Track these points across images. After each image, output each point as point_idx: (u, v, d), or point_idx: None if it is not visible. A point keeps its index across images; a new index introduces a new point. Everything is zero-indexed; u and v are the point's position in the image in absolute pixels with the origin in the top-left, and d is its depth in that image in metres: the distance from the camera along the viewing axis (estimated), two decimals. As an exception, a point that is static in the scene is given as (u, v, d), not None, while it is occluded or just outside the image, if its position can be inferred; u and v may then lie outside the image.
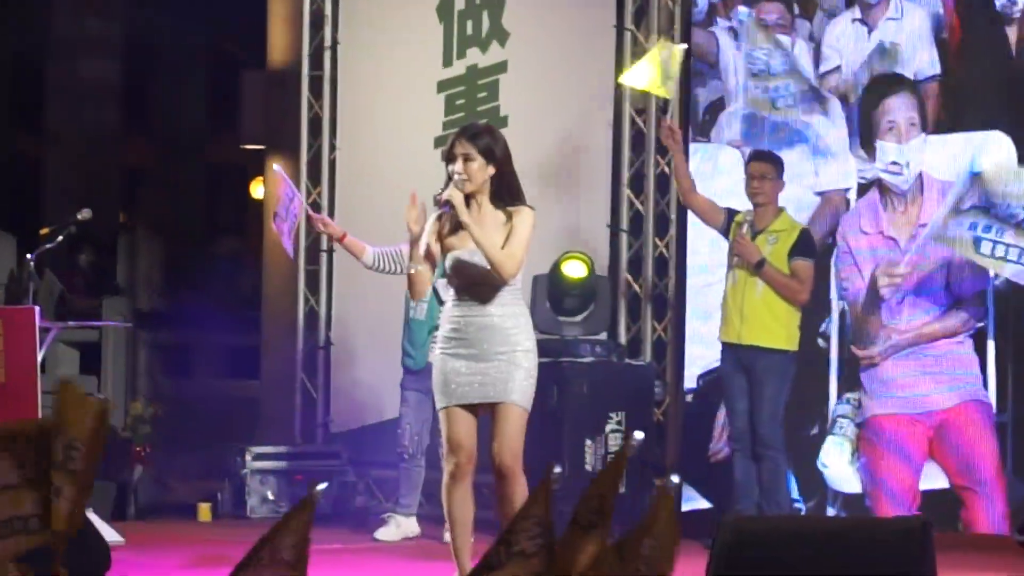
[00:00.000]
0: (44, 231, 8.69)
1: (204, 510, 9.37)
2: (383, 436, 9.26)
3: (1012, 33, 8.08)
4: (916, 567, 3.41)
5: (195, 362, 12.05)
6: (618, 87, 9.06)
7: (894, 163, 8.30)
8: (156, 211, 16.48)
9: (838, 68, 8.62)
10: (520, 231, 5.75)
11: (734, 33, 8.89)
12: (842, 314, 8.46)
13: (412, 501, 8.33)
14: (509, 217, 5.77)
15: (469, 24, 9.76)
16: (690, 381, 8.93)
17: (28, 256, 8.41)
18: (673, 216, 9.14)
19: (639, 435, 2.73)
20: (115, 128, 16.00)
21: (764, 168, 7.85)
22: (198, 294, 11.76)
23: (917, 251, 8.14)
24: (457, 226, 5.76)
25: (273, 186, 8.39)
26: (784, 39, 8.72)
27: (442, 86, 9.81)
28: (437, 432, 7.78)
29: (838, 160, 8.55)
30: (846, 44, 8.60)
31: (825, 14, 8.69)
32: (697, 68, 9.00)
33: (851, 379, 8.38)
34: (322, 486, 2.69)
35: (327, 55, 10.30)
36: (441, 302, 7.44)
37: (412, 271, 5.78)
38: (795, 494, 8.29)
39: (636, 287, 9.27)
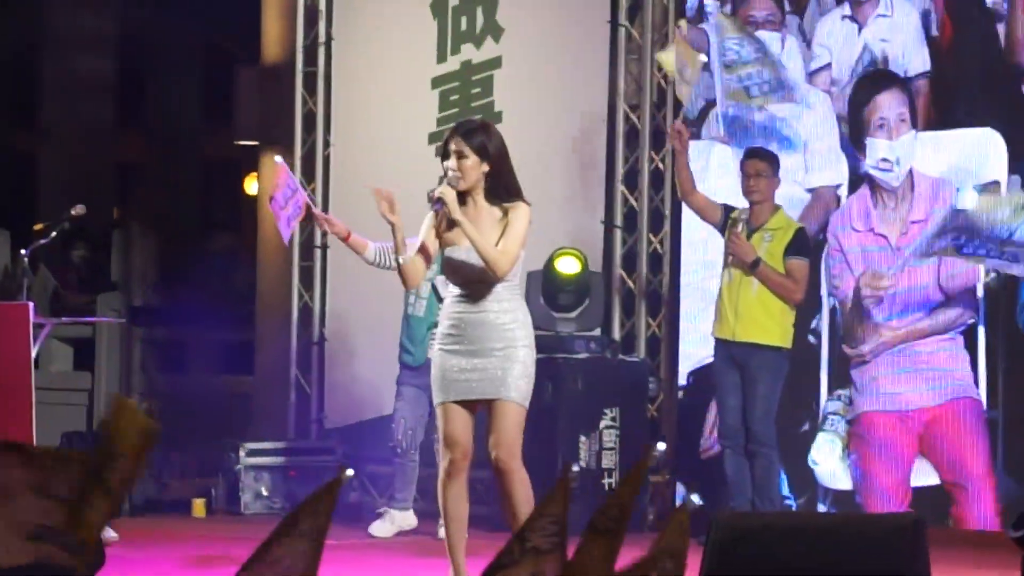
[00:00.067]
0: (38, 227, 8.69)
1: (198, 506, 9.38)
2: (377, 432, 9.28)
3: (1003, 30, 8.10)
4: (910, 564, 3.42)
5: (189, 358, 12.05)
6: (612, 83, 9.08)
7: (884, 160, 8.32)
8: (150, 207, 16.47)
9: (828, 65, 8.64)
10: (515, 227, 5.76)
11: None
12: (832, 311, 8.48)
13: (407, 495, 8.35)
14: (505, 213, 5.78)
15: (463, 20, 9.78)
16: (684, 377, 8.95)
17: (22, 252, 8.41)
18: (667, 212, 9.16)
19: (661, 446, 2.75)
20: (109, 124, 16.00)
21: (760, 166, 7.86)
22: (192, 290, 11.75)
23: (899, 270, 8.17)
24: (453, 222, 5.78)
25: (273, 176, 8.39)
26: (773, 35, 8.73)
27: (436, 82, 9.82)
28: (432, 428, 7.81)
29: (828, 157, 8.58)
30: (836, 41, 8.62)
31: (815, 11, 8.71)
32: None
33: (842, 376, 8.40)
34: (350, 472, 2.71)
35: (321, 51, 10.31)
36: (440, 299, 7.46)
37: (401, 261, 5.79)
38: (786, 491, 8.31)
39: (630, 283, 9.28)
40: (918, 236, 8.10)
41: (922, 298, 8.16)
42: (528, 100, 9.44)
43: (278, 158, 8.17)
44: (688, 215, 8.58)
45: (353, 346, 10.06)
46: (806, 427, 8.50)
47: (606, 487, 8.34)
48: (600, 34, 9.26)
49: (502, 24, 9.60)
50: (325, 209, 9.84)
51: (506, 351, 5.75)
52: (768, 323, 7.75)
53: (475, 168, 5.76)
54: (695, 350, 8.73)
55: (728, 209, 7.95)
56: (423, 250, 5.83)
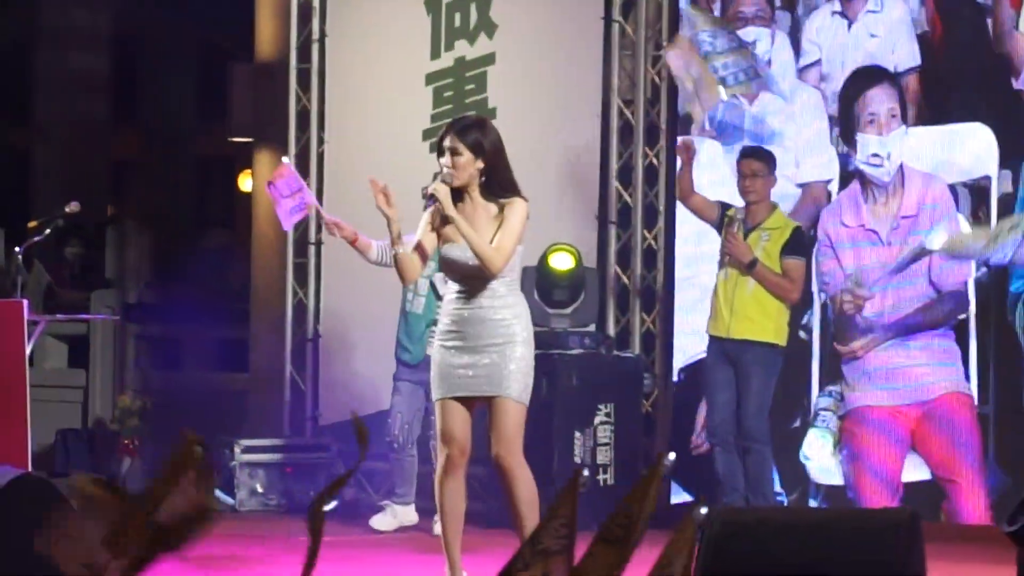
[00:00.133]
0: (32, 224, 8.71)
1: (194, 502, 9.38)
2: (372, 429, 9.27)
3: (992, 24, 8.12)
4: (906, 559, 3.43)
5: (184, 355, 12.04)
6: (606, 78, 9.09)
7: (875, 155, 8.34)
8: (145, 204, 16.47)
9: (818, 62, 8.65)
10: (511, 223, 5.77)
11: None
12: (824, 307, 8.50)
13: (407, 490, 8.36)
14: (501, 209, 5.80)
15: (457, 16, 9.78)
16: (675, 374, 8.97)
17: (16, 249, 8.43)
18: (662, 208, 9.18)
19: (672, 456, 2.78)
20: (103, 120, 15.98)
21: (756, 166, 7.87)
22: (187, 287, 11.74)
23: (881, 287, 8.19)
24: (447, 219, 5.79)
25: (273, 169, 8.39)
26: (762, 31, 8.74)
27: (430, 78, 9.83)
28: (429, 424, 7.82)
29: (819, 152, 8.59)
30: (826, 37, 8.63)
31: (805, 7, 8.72)
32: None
33: (833, 371, 8.42)
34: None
35: (315, 48, 10.31)
36: (438, 296, 7.48)
37: (399, 252, 5.80)
38: (777, 487, 8.32)
39: (625, 279, 9.30)
40: (898, 255, 8.12)
41: (913, 293, 8.18)
42: (522, 96, 9.45)
43: (286, 159, 8.17)
44: (683, 211, 8.60)
45: (348, 343, 10.07)
46: (798, 423, 8.51)
47: (601, 483, 8.36)
48: (594, 30, 9.27)
49: (496, 20, 9.61)
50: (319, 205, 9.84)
51: (504, 346, 5.77)
52: (763, 320, 7.77)
53: (469, 165, 5.77)
54: (687, 343, 8.75)
55: (724, 207, 7.97)
56: (419, 247, 5.85)
